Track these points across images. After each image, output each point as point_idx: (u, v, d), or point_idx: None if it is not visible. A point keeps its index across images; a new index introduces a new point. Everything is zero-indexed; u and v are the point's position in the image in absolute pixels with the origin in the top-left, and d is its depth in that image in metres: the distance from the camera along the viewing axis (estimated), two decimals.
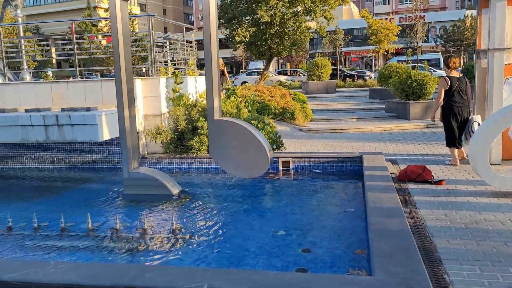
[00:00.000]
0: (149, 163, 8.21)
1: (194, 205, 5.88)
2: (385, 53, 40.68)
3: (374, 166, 6.73)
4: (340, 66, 36.80)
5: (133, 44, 12.28)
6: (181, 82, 8.62)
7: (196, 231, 4.87)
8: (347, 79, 29.71)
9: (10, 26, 28.23)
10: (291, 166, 7.78)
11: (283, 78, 33.90)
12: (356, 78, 31.83)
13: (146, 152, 8.54)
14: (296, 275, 3.29)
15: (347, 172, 7.47)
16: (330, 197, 6.32)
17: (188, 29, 11.38)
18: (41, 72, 25.91)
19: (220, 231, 4.98)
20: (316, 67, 21.77)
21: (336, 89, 22.54)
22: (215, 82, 6.08)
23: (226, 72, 16.14)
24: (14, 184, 7.67)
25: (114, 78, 7.71)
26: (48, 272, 3.20)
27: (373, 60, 54.40)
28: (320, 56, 23.73)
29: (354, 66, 55.39)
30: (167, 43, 11.01)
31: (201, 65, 12.84)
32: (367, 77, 32.03)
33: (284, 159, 7.79)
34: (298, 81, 30.31)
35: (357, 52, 56.24)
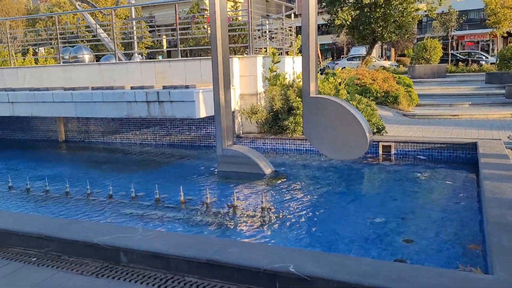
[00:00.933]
0: (244, 142, 8.16)
1: (286, 186, 5.64)
2: (505, 35, 36.35)
3: (492, 153, 5.87)
4: (452, 51, 33.77)
5: (233, 23, 12.37)
6: (278, 62, 8.38)
7: (286, 211, 4.63)
8: (460, 63, 27.12)
9: (125, 14, 30.45)
10: (393, 151, 7.16)
11: (387, 63, 32.11)
12: (470, 62, 28.93)
13: (241, 131, 8.51)
14: (397, 265, 2.88)
15: (458, 159, 6.66)
16: (437, 186, 5.65)
17: (288, 9, 11.10)
18: (151, 57, 27.64)
19: (311, 213, 4.69)
20: (424, 50, 20.11)
21: (447, 74, 20.63)
22: (311, 60, 5.75)
23: (319, 53, 15.56)
24: (119, 157, 8.14)
25: (208, 58, 7.73)
26: (136, 239, 3.19)
27: (491, 44, 49.11)
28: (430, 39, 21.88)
29: (468, 50, 50.62)
30: (267, 23, 10.86)
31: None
32: (484, 62, 28.94)
33: (385, 143, 7.20)
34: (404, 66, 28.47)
35: (472, 36, 51.21)
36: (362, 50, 37.05)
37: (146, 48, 32.22)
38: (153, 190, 5.20)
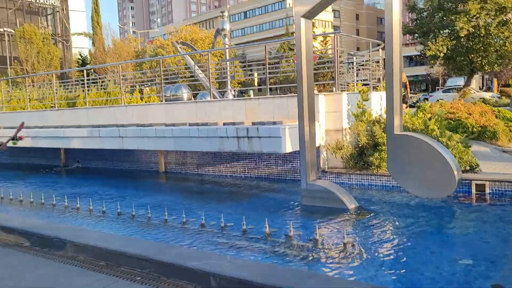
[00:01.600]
0: (329, 177, 8.30)
1: (370, 222, 5.68)
2: None
3: None
4: None
5: (320, 61, 12.73)
6: (367, 100, 8.49)
7: (368, 248, 4.69)
8: None
9: (220, 53, 32.51)
10: (487, 190, 6.82)
11: (487, 94, 30.09)
12: None
13: (326, 166, 8.68)
14: None
15: None
16: None
17: (376, 45, 11.21)
18: (243, 93, 28.97)
19: (395, 251, 4.69)
20: None
21: None
22: (395, 94, 5.81)
23: (408, 86, 15.17)
24: (212, 188, 8.73)
25: (294, 95, 8.10)
26: (224, 265, 3.52)
27: None
28: None
29: None
30: (354, 59, 11.05)
31: None
32: None
33: (478, 182, 6.89)
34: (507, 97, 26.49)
35: None
36: (459, 81, 35.12)
37: (239, 84, 33.88)
38: (241, 221, 5.57)
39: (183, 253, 3.90)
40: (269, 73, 10.30)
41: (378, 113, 9.36)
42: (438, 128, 8.21)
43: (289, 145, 7.69)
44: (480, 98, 27.18)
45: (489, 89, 41.86)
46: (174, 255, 3.83)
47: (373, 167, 7.70)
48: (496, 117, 12.56)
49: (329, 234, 5.24)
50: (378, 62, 11.12)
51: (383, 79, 10.94)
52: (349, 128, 8.65)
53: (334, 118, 8.59)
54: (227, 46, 15.76)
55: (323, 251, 4.62)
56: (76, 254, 4.38)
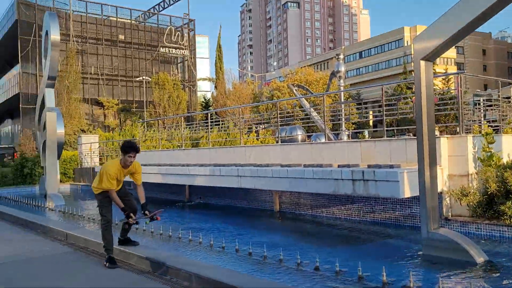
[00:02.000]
0: (453, 226, 7.73)
1: (501, 279, 5.14)
2: None
3: None
4: None
5: (441, 101, 12.12)
6: (492, 142, 7.86)
7: None
8: None
9: (335, 94, 32.77)
10: None
11: None
12: None
13: (450, 214, 8.10)
14: None
15: None
16: None
17: (506, 84, 10.38)
18: (358, 133, 28.62)
19: None
20: None
21: None
22: None
23: None
24: (325, 230, 8.70)
25: (413, 138, 7.85)
26: None
27: None
28: None
29: None
30: (481, 99, 10.35)
31: None
32: None
33: None
34: None
35: None
36: None
37: (353, 124, 33.50)
38: (356, 266, 5.47)
39: None
40: (386, 114, 10.14)
41: (510, 157, 8.56)
42: None
43: (407, 190, 7.41)
44: None
45: None
46: None
47: (505, 217, 7.00)
48: None
49: None
50: (509, 100, 10.26)
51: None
52: (476, 173, 8.04)
53: (458, 162, 8.07)
54: (342, 88, 15.91)
55: None
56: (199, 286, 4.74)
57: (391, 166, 7.94)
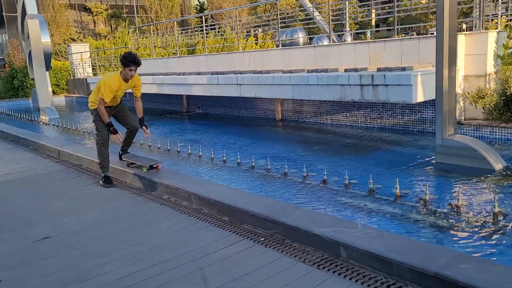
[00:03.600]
0: (466, 130, 7.32)
1: None
2: None
3: None
4: None
5: None
6: None
7: None
8: None
9: None
10: None
11: None
12: None
13: (463, 117, 7.64)
14: None
15: None
16: None
17: None
18: (360, 34, 27.21)
19: None
20: None
21: None
22: None
23: None
24: (330, 139, 8.31)
25: (432, 36, 7.10)
26: (355, 235, 3.18)
27: None
28: None
29: None
30: None
31: None
32: None
33: None
34: None
35: None
36: None
37: (355, 25, 31.80)
38: (366, 178, 5.14)
39: (309, 216, 3.64)
40: (387, 11, 9.17)
41: None
42: None
43: (420, 94, 6.85)
44: None
45: None
46: (299, 217, 3.59)
47: None
48: None
49: (474, 200, 4.54)
50: None
51: None
52: (494, 73, 7.42)
53: (475, 61, 7.41)
54: None
55: (467, 222, 4.00)
56: (201, 207, 4.41)
57: (403, 69, 7.30)
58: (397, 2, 9.12)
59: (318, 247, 3.30)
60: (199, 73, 11.91)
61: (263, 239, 3.61)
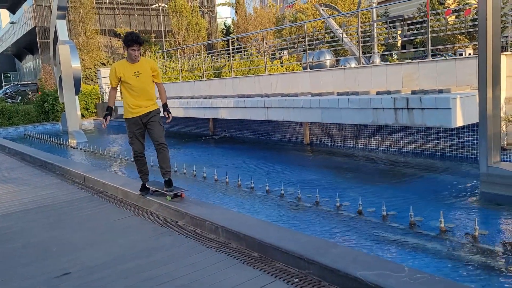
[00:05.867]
0: (509, 155, 6.84)
1: None
2: None
3: None
4: None
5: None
6: None
7: None
8: None
9: (362, 13, 30.40)
10: None
11: None
12: None
13: (505, 142, 7.16)
14: None
15: None
16: None
17: None
18: (387, 55, 26.82)
19: None
20: None
21: None
22: None
23: None
24: (361, 165, 7.94)
25: (469, 57, 6.76)
26: (402, 281, 2.83)
27: None
28: None
29: None
30: None
31: None
32: None
33: None
34: None
35: None
36: None
37: (382, 45, 31.48)
38: (406, 210, 4.76)
39: (349, 255, 3.30)
40: (417, 32, 8.82)
41: None
42: None
43: (460, 118, 6.47)
44: None
45: None
46: (337, 257, 3.26)
47: None
48: None
49: None
50: None
51: None
52: None
53: None
54: (374, 4, 14.32)
55: None
56: (228, 241, 4.13)
57: (440, 91, 6.93)
58: (426, 23, 8.80)
59: None
60: (225, 96, 11.79)
61: (297, 280, 3.28)
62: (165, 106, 5.35)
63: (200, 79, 15.10)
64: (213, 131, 13.95)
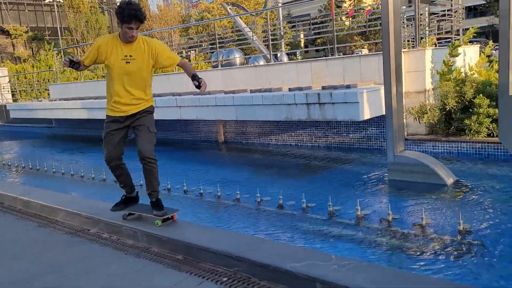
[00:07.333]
0: (410, 145, 7.39)
1: (478, 201, 4.81)
2: None
3: None
4: None
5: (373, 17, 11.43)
6: (457, 55, 7.39)
7: (490, 237, 3.87)
8: None
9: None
10: None
11: None
12: None
13: (406, 133, 7.74)
14: None
15: None
16: None
17: None
18: (291, 54, 27.75)
19: None
20: None
21: None
22: (511, 51, 4.78)
23: None
24: (277, 161, 8.06)
25: (372, 54, 7.16)
26: (331, 269, 2.86)
27: None
28: None
29: None
30: (426, 10, 9.78)
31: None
32: None
33: None
34: None
35: None
36: None
37: (287, 45, 32.54)
38: (323, 200, 4.90)
39: (277, 249, 3.27)
40: (319, 32, 9.25)
41: (462, 71, 8.21)
42: None
43: (367, 112, 6.84)
44: None
45: None
46: (266, 252, 3.21)
47: (468, 132, 6.69)
48: None
49: (435, 217, 4.43)
50: (456, 11, 9.77)
51: (463, 33, 9.64)
52: (432, 89, 7.62)
53: (415, 78, 7.56)
54: (280, 3, 14.73)
55: (437, 242, 3.84)
56: (149, 245, 3.88)
57: (348, 86, 7.28)
58: (331, 22, 9.22)
59: (290, 284, 2.93)
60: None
61: (226, 279, 3.17)
62: (193, 77, 3.90)
63: (105, 79, 14.25)
64: None
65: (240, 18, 16.49)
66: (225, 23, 30.34)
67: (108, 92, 3.91)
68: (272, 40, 12.16)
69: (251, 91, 8.57)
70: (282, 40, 12.93)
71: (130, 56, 3.74)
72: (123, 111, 3.84)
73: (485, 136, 6.63)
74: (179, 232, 3.78)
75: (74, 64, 3.68)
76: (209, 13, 37.29)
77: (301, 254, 3.14)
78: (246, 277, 3.16)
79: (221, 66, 11.47)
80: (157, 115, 9.84)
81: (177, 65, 4.03)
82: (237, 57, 14.90)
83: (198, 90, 4.00)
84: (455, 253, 3.62)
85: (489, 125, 6.62)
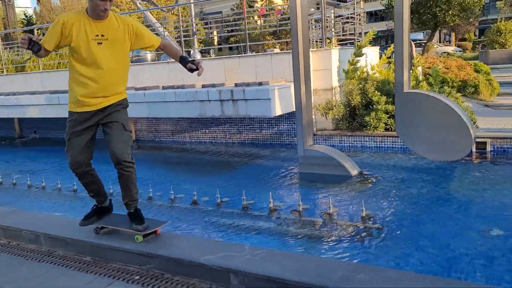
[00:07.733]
0: (319, 140, 7.77)
1: (379, 190, 5.20)
2: None
3: None
4: None
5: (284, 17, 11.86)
6: (361, 55, 7.89)
7: (388, 221, 4.21)
8: None
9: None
10: (488, 148, 6.50)
11: (450, 49, 30.31)
12: None
13: (315, 128, 8.11)
14: None
15: None
16: None
17: None
18: (204, 52, 27.64)
19: (417, 223, 4.23)
20: (498, 33, 18.65)
21: None
22: (405, 50, 5.24)
23: (413, 44, 14.51)
24: (192, 158, 8.00)
25: (282, 53, 7.39)
26: (244, 259, 2.91)
27: None
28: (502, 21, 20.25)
29: None
30: (332, 12, 10.36)
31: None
32: None
33: (479, 140, 6.54)
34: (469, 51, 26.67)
35: None
36: (418, 36, 34.97)
37: (200, 43, 32.35)
38: (237, 194, 4.97)
39: (190, 243, 3.25)
40: (232, 30, 9.42)
41: (364, 70, 8.81)
42: (433, 85, 7.77)
43: (278, 108, 7.05)
44: (444, 52, 27.31)
45: (449, 43, 42.26)
46: (179, 247, 3.18)
47: (368, 127, 7.20)
48: (475, 70, 12.34)
49: (341, 206, 4.71)
50: (359, 14, 10.46)
51: (365, 35, 10.34)
52: (339, 87, 8.08)
53: (323, 76, 7.95)
54: (192, 0, 14.59)
55: (343, 228, 4.09)
56: (54, 248, 3.64)
57: (260, 84, 7.44)
58: (243, 21, 9.38)
59: (205, 277, 2.93)
60: (33, 93, 10.44)
61: (138, 277, 3.08)
62: (182, 59, 3.43)
63: (0, 74, 13.04)
64: (19, 133, 12.23)
65: (151, 13, 16.08)
66: (134, 18, 29.35)
67: (73, 81, 3.13)
68: (185, 37, 12.02)
69: (164, 88, 8.39)
70: (195, 37, 12.81)
71: (102, 35, 3.06)
72: (92, 104, 3.13)
73: (383, 131, 7.17)
74: (87, 233, 3.59)
75: (34, 45, 2.85)
76: (117, 7, 35.77)
77: (215, 247, 3.15)
78: (159, 273, 3.10)
79: (131, 63, 11.07)
80: (59, 113, 9.22)
81: (159, 47, 3.42)
82: (148, 53, 14.50)
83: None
84: (358, 237, 3.88)
85: (387, 120, 7.17)
